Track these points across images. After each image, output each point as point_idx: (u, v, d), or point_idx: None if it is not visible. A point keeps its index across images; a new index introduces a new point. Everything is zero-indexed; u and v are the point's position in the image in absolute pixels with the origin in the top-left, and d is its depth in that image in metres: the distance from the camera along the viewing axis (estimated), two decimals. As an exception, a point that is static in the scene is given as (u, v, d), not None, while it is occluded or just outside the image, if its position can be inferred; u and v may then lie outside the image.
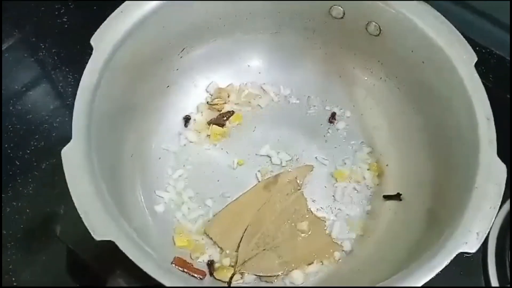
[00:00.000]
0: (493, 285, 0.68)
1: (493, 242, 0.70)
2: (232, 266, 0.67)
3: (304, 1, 0.71)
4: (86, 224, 0.49)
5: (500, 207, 0.69)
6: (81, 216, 0.50)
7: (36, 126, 0.81)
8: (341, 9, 0.71)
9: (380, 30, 0.70)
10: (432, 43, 0.63)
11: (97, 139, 0.57)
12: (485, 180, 0.54)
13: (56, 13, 0.93)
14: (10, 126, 0.81)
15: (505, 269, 0.68)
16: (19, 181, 0.76)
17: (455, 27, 0.65)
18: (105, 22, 0.62)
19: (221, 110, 0.80)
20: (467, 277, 0.69)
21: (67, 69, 0.87)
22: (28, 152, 0.79)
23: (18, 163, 0.77)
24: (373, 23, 0.69)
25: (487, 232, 0.51)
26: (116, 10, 0.63)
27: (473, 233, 0.51)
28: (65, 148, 0.54)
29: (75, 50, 0.88)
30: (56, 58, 0.88)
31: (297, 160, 0.77)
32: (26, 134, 0.80)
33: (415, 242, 0.60)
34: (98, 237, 0.49)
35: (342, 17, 0.72)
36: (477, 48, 0.86)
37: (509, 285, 0.67)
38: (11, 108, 0.83)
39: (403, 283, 0.49)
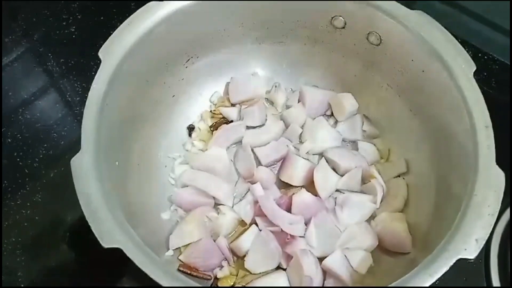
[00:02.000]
0: (495, 290, 0.68)
1: (495, 249, 0.71)
2: (234, 275, 0.68)
3: (307, 11, 0.73)
4: (94, 231, 0.50)
5: (502, 214, 0.71)
6: (89, 224, 0.51)
7: (45, 135, 0.82)
8: (343, 19, 0.72)
9: (380, 39, 0.70)
10: (432, 52, 0.64)
11: (105, 149, 0.59)
12: (484, 187, 0.55)
13: (64, 23, 0.94)
14: (19, 135, 0.82)
15: (507, 276, 0.69)
16: (28, 189, 0.77)
17: (457, 33, 0.65)
18: (113, 34, 0.64)
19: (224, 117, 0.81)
20: (470, 283, 0.69)
21: (75, 79, 0.88)
22: (37, 160, 0.80)
23: (27, 171, 0.79)
24: (374, 33, 0.70)
25: (486, 238, 0.51)
26: (124, 23, 0.64)
27: (472, 239, 0.51)
28: (74, 157, 0.56)
29: (82, 59, 0.89)
30: (63, 67, 0.90)
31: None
32: (35, 142, 0.82)
33: (418, 248, 0.60)
34: (106, 244, 0.50)
35: (343, 27, 0.73)
36: (479, 54, 0.87)
37: (510, 290, 0.68)
38: (20, 117, 0.84)
39: (404, 288, 0.50)
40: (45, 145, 0.81)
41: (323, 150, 0.76)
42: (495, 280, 0.69)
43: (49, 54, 0.91)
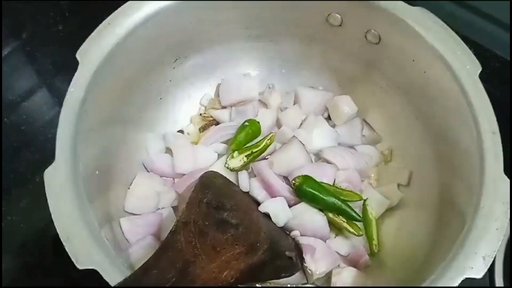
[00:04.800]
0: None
1: (500, 256, 0.67)
2: None
3: (301, 8, 0.69)
4: (68, 251, 0.47)
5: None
6: (63, 242, 0.48)
7: (31, 138, 0.80)
8: (339, 16, 0.68)
9: (379, 38, 0.67)
10: (434, 52, 0.60)
11: (84, 158, 0.55)
12: (491, 198, 0.51)
13: (52, 21, 0.92)
14: (4, 139, 0.80)
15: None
16: (13, 194, 0.75)
17: (458, 29, 0.61)
18: (91, 34, 0.60)
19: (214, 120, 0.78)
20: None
21: (62, 79, 0.86)
22: (23, 164, 0.77)
23: (12, 176, 0.76)
24: (372, 30, 0.67)
25: (494, 255, 0.48)
26: (103, 23, 0.61)
27: (479, 256, 0.48)
28: (47, 169, 0.52)
29: (70, 59, 0.86)
30: (51, 67, 0.88)
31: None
32: (21, 146, 0.79)
33: (420, 266, 0.57)
34: (81, 265, 0.47)
35: (340, 25, 0.69)
36: (481, 51, 0.84)
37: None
38: (5, 120, 0.82)
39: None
40: (32, 149, 0.79)
41: (319, 150, 0.72)
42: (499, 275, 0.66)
43: (36, 54, 0.89)
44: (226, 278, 0.51)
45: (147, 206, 0.67)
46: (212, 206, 0.59)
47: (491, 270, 0.67)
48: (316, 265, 0.62)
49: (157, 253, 0.51)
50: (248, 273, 0.53)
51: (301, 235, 0.65)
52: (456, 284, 0.46)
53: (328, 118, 0.77)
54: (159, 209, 0.69)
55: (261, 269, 0.56)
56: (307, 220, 0.65)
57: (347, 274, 0.63)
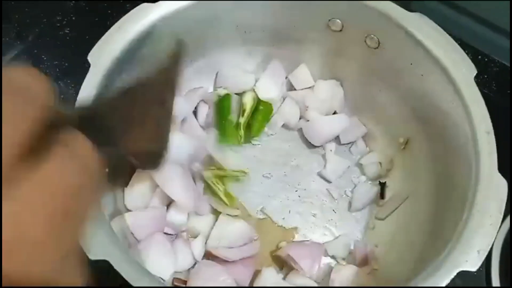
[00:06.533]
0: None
1: (496, 255, 0.69)
2: None
3: (303, 13, 0.71)
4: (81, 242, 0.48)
5: (504, 219, 0.69)
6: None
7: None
8: (340, 22, 0.70)
9: (379, 42, 0.69)
10: (431, 56, 0.62)
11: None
12: (486, 196, 0.53)
13: (58, 25, 0.93)
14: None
15: (509, 281, 0.67)
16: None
17: (456, 34, 0.63)
18: (102, 37, 0.62)
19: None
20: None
21: (69, 81, 0.87)
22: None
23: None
24: (372, 35, 0.69)
25: (488, 250, 0.50)
26: (114, 26, 0.63)
27: (474, 250, 0.50)
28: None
29: (76, 62, 0.87)
30: (57, 70, 0.88)
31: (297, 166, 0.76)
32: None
33: (417, 260, 0.59)
34: (93, 256, 0.48)
35: (340, 30, 0.71)
36: (479, 56, 0.85)
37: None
38: (11, 122, 0.82)
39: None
40: (38, 149, 0.80)
41: None
42: (496, 283, 0.67)
43: (43, 56, 0.90)
44: None
45: (145, 202, 0.67)
46: None
47: (487, 270, 0.68)
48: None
49: None
50: None
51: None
52: (452, 276, 0.48)
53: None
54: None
55: None
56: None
57: (346, 272, 0.65)
